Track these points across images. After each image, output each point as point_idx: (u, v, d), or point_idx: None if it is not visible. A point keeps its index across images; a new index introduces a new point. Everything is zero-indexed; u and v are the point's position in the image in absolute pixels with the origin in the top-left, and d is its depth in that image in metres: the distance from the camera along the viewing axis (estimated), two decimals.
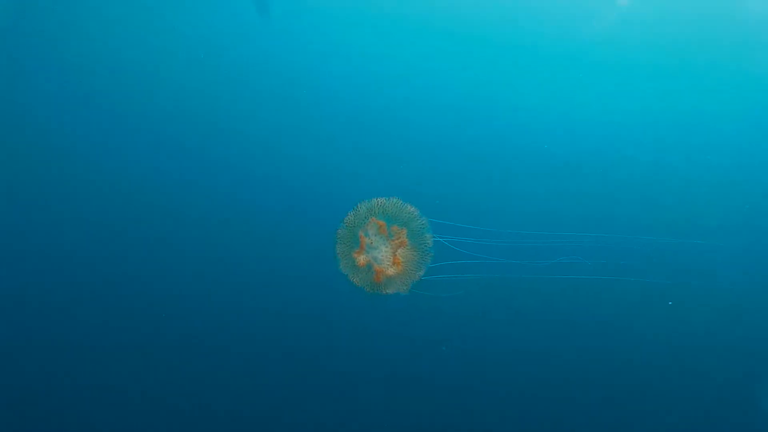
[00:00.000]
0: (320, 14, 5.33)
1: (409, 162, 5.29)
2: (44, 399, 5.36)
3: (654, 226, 5.06)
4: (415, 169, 5.27)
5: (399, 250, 4.08)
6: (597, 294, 5.07)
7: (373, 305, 4.51)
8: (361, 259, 4.11)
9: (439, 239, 4.33)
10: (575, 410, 5.29)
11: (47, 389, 5.34)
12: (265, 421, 5.41)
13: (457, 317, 5.08)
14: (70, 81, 5.40)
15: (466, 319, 5.14)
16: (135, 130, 5.40)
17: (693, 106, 5.20)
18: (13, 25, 5.40)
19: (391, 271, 4.13)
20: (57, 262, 5.37)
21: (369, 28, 5.31)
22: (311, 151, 5.30)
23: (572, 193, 5.23)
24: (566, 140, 5.29)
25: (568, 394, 5.28)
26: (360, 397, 5.38)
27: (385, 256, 4.12)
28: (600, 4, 5.19)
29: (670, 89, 5.23)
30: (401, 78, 5.35)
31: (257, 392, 5.39)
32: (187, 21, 5.37)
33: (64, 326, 5.34)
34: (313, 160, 5.33)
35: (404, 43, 5.31)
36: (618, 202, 5.22)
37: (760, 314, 5.12)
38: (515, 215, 5.13)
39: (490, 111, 5.33)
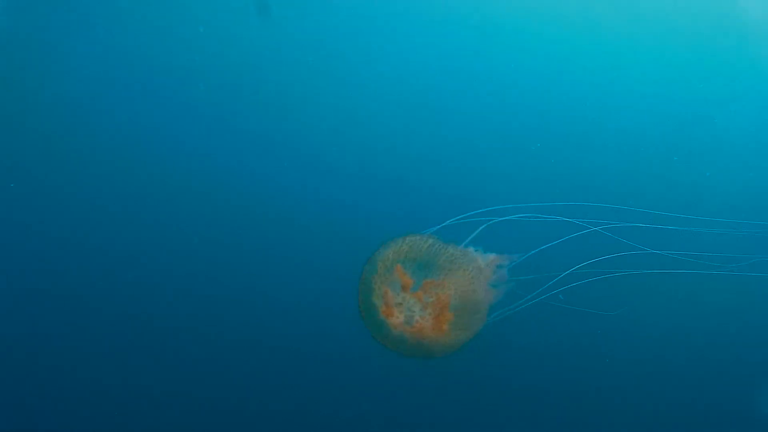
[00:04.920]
0: (321, 14, 5.15)
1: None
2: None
3: None
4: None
5: (439, 310, 2.95)
6: None
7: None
8: (393, 319, 3.04)
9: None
10: None
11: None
12: None
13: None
14: (67, 81, 5.23)
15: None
16: (132, 131, 5.25)
17: None
18: (12, 26, 5.28)
19: (432, 334, 3.03)
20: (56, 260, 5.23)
21: (371, 27, 5.08)
22: (316, 157, 5.03)
23: None
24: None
25: None
26: None
27: (421, 316, 3.02)
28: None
29: None
30: (408, 77, 5.01)
31: None
32: (185, 20, 5.23)
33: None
34: (324, 168, 5.05)
35: (408, 41, 5.01)
36: None
37: None
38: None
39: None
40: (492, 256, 3.41)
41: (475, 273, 3.11)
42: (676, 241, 3.97)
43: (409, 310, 3.02)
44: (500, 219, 3.64)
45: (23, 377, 5.11)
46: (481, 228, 3.54)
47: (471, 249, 3.31)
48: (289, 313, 4.89)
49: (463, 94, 5.13)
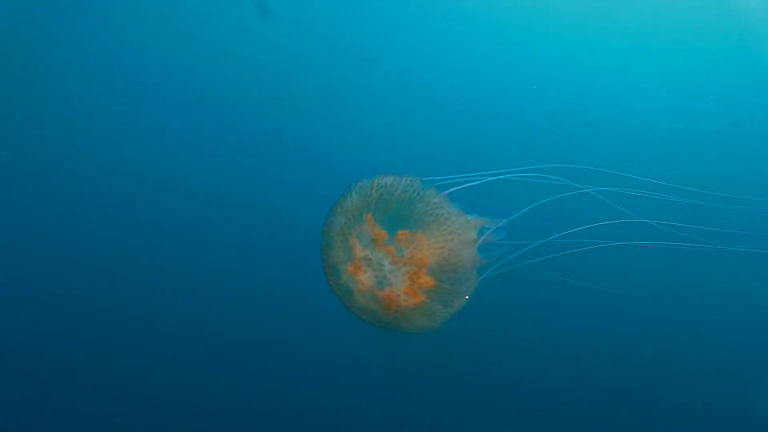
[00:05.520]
0: (321, 14, 5.21)
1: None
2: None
3: None
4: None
5: (416, 271, 2.46)
6: None
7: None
8: (361, 277, 2.56)
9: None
10: None
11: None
12: None
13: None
14: (66, 82, 5.33)
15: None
16: (131, 131, 5.33)
17: None
18: (12, 27, 5.37)
19: (408, 302, 2.55)
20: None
21: (370, 26, 5.13)
22: (313, 154, 5.07)
23: None
24: None
25: None
26: None
27: (395, 278, 2.54)
28: None
29: None
30: (407, 76, 5.03)
31: None
32: (185, 20, 5.31)
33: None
34: (314, 162, 5.10)
35: (408, 40, 5.03)
36: None
37: None
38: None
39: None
40: (476, 218, 2.96)
41: (458, 230, 2.65)
42: (681, 215, 3.68)
43: (379, 264, 2.55)
44: (491, 178, 3.24)
45: (23, 377, 5.07)
46: (466, 185, 3.13)
47: (452, 205, 2.86)
48: (271, 297, 4.73)
49: (455, 62, 4.97)
